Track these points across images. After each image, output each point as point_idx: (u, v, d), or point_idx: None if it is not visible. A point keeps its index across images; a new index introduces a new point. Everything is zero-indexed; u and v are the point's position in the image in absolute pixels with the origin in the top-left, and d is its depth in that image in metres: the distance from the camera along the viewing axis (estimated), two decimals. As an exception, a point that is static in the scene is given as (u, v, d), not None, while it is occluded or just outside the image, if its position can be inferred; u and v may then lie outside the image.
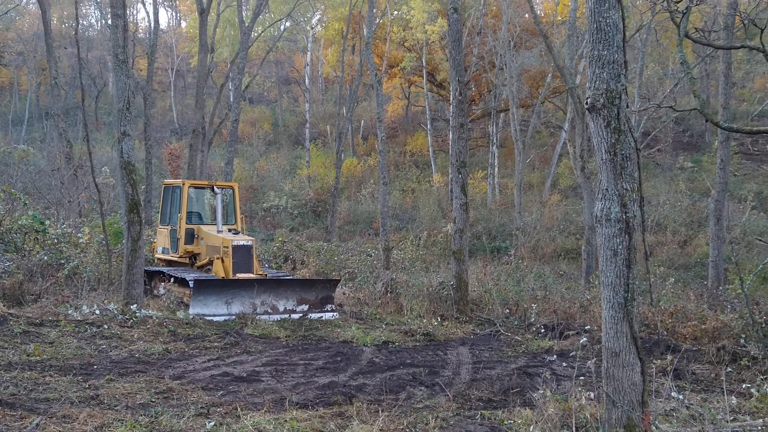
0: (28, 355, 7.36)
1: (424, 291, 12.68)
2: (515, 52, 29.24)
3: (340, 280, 13.30)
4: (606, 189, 5.42)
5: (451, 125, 27.38)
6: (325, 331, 10.62)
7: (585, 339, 7.83)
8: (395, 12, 36.37)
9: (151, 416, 5.50)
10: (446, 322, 11.62)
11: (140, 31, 49.53)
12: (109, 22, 10.82)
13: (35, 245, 12.61)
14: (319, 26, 44.35)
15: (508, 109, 30.81)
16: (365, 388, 7.27)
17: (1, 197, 13.23)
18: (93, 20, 57.17)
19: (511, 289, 13.60)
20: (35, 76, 49.09)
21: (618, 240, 5.27)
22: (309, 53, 43.31)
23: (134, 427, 5.13)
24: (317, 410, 6.11)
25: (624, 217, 5.28)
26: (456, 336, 10.84)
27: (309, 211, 33.00)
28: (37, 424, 4.92)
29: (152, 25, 23.62)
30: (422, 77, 37.68)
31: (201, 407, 5.95)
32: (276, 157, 40.73)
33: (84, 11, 55.06)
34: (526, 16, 33.01)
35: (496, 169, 32.91)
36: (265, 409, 5.99)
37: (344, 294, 14.20)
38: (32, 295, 10.51)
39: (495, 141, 32.88)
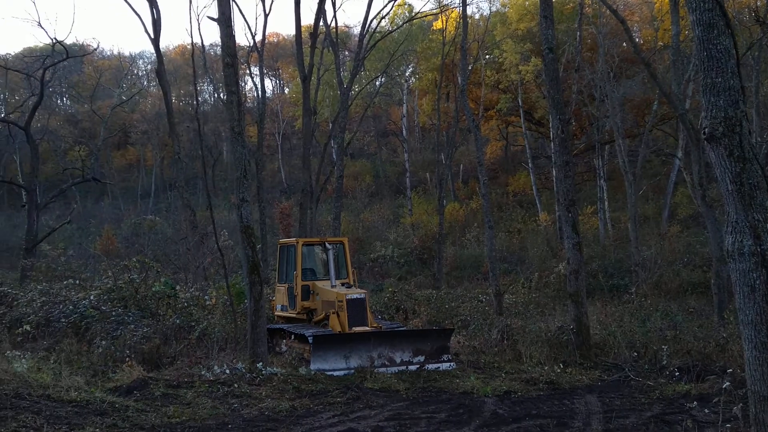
0: (168, 418, 7.82)
1: (542, 336, 12.29)
2: (616, 83, 28.45)
3: (453, 330, 13.19)
4: (735, 221, 5.15)
5: (555, 163, 26.85)
6: (443, 382, 10.51)
7: (728, 383, 7.26)
8: (487, 56, 36.63)
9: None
10: (569, 369, 11.16)
11: (248, 100, 52.81)
12: (223, 97, 11.67)
13: (168, 310, 13.48)
14: (412, 78, 45.43)
15: (613, 141, 29.83)
16: (492, 441, 7.12)
17: (137, 267, 14.34)
18: (206, 95, 61.65)
19: (637, 330, 12.91)
20: (159, 151, 53.42)
21: (754, 275, 4.97)
22: (405, 105, 44.35)
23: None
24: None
25: (758, 250, 4.99)
26: (582, 383, 10.37)
27: (415, 258, 33.13)
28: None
29: (260, 95, 25.18)
30: (519, 117, 37.45)
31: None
32: (379, 207, 41.55)
33: (198, 87, 59.67)
34: (624, 45, 32.18)
35: (606, 203, 31.70)
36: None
37: (459, 342, 14.03)
38: (168, 357, 11.20)
39: (602, 174, 31.78)
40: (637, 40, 32.07)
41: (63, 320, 12.71)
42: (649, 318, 14.16)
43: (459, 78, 22.67)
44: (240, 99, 11.56)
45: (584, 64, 30.76)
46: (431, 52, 37.47)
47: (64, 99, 67.31)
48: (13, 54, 54.63)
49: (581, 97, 31.21)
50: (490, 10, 36.78)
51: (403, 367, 11.32)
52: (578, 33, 29.43)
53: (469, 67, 25.33)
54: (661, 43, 30.72)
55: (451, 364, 11.68)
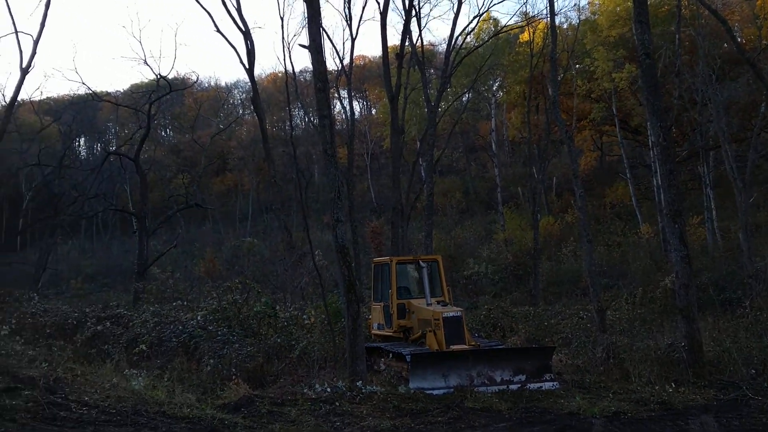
0: (276, 434, 8.03)
1: (651, 354, 11.68)
2: (718, 85, 26.90)
3: (555, 347, 12.78)
4: None
5: (656, 173, 25.71)
6: (547, 402, 10.18)
7: None
8: (577, 65, 35.74)
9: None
10: (682, 388, 10.52)
11: (337, 122, 54.07)
12: (315, 121, 12.01)
13: (268, 329, 13.91)
14: (500, 92, 45.00)
15: (719, 147, 28.17)
16: (602, 464, 6.82)
17: (238, 287, 14.93)
18: (298, 120, 63.64)
19: (754, 346, 12.04)
20: (254, 176, 55.65)
21: None
22: (493, 119, 43.92)
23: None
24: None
25: None
26: (696, 403, 9.75)
27: (510, 275, 32.47)
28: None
29: (349, 117, 25.72)
30: (614, 126, 36.19)
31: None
32: (470, 224, 41.17)
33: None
34: (725, 45, 30.45)
35: (714, 212, 29.87)
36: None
37: (561, 361, 13.58)
38: (271, 375, 11.54)
39: (708, 182, 30.02)
40: (739, 39, 30.26)
41: (174, 340, 13.41)
42: (767, 333, 13.16)
43: (549, 89, 22.20)
44: (332, 122, 11.87)
45: (684, 68, 29.35)
46: (518, 64, 37.01)
47: (168, 130, 71.64)
48: (122, 91, 58.94)
49: (682, 102, 29.78)
50: (578, 18, 35.86)
51: (504, 387, 11.08)
52: (677, 36, 28.16)
53: (559, 78, 24.81)
54: (765, 42, 28.85)
55: (554, 383, 11.32)
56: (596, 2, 38.21)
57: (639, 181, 37.20)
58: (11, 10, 27.35)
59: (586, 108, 36.67)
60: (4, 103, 32.57)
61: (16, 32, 28.93)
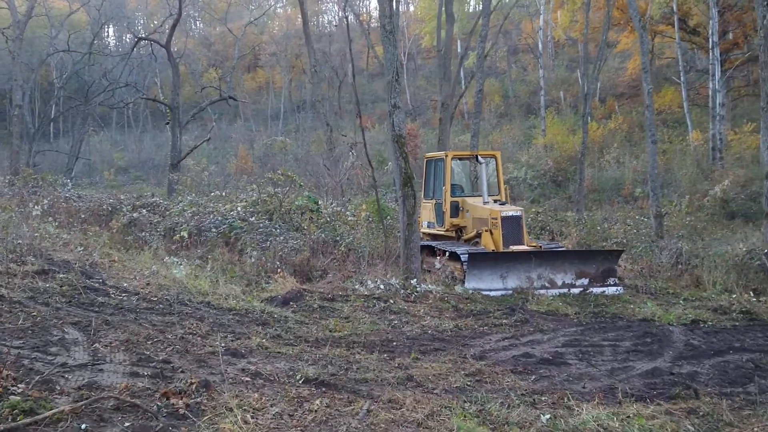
0: (330, 331, 7.43)
1: (728, 262, 10.80)
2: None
3: (623, 251, 11.92)
4: None
5: (716, 77, 23.90)
6: (615, 307, 9.48)
7: None
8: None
9: (476, 403, 5.01)
10: (763, 297, 9.72)
11: (374, 20, 51.46)
12: (350, 17, 10.67)
13: (311, 224, 13.25)
14: (550, -15, 42.08)
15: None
16: (698, 377, 6.16)
17: (281, 179, 14.16)
18: (332, 15, 61.00)
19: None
20: (287, 73, 53.83)
21: None
22: (542, 16, 41.26)
23: (465, 416, 4.66)
24: (660, 405, 5.13)
25: None
26: (784, 314, 8.98)
27: (548, 181, 31.49)
28: (368, 410, 4.66)
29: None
30: (671, 26, 33.61)
31: (522, 395, 5.34)
32: (509, 128, 39.64)
33: (324, 7, 59.03)
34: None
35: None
36: (596, 400, 5.18)
37: (619, 266, 12.83)
38: (318, 270, 10.94)
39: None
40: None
41: (213, 230, 12.83)
42: None
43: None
44: (391, -6, 10.54)
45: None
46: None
47: (198, 23, 69.36)
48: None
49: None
50: None
51: (565, 290, 10.39)
52: None
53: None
54: None
55: (619, 288, 10.61)
56: None
57: (691, 86, 34.99)
58: None
59: (642, 6, 33.96)
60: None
61: None
